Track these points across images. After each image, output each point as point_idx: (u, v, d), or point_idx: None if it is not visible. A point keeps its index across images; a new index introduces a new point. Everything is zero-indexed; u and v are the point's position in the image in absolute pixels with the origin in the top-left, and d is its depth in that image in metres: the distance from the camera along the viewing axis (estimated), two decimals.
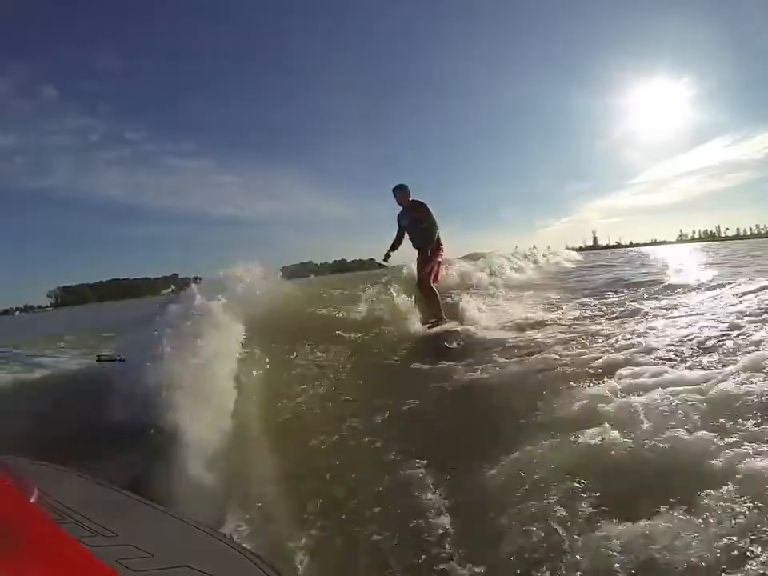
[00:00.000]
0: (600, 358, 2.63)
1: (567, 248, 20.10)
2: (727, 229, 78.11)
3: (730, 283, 4.88)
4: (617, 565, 1.12)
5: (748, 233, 71.82)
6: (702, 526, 1.18)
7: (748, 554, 1.08)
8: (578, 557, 1.17)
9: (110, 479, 1.14)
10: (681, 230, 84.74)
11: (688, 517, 1.22)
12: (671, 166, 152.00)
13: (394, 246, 4.55)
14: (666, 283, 5.77)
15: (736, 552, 1.09)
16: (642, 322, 3.61)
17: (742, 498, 1.23)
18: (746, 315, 3.23)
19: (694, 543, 1.13)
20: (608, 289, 6.15)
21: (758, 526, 1.14)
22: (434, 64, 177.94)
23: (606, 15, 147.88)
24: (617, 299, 5.13)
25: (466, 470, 1.69)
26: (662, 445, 1.55)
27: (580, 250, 34.90)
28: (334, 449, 2.02)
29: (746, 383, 1.87)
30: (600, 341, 3.11)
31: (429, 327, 4.13)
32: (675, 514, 1.24)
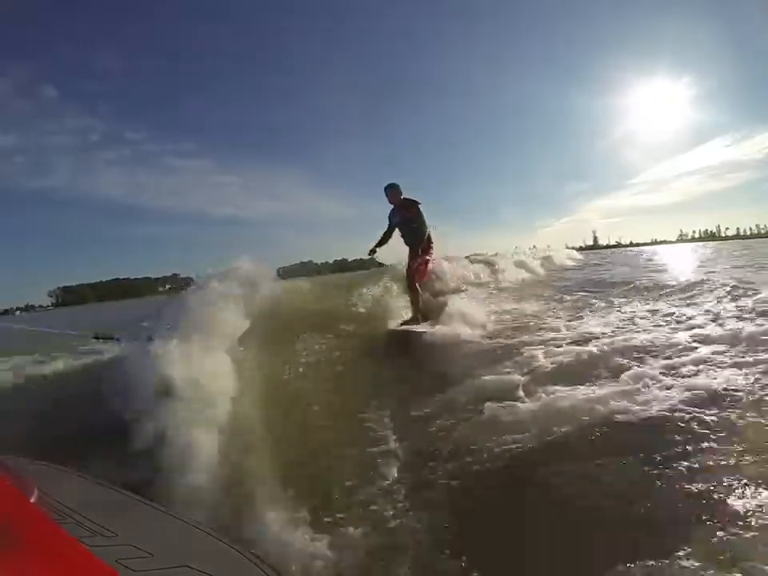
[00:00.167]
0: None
1: (567, 247, 20.03)
2: (727, 229, 78.28)
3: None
4: None
5: (748, 233, 71.91)
6: None
7: None
8: None
9: (110, 479, 1.15)
10: (681, 230, 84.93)
11: None
12: (671, 166, 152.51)
13: (382, 241, 4.58)
14: (636, 284, 5.87)
15: None
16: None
17: None
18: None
19: None
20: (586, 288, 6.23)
21: None
22: (434, 64, 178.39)
23: (606, 15, 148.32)
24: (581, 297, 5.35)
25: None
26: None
27: (580, 249, 34.86)
28: (334, 448, 2.02)
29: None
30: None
31: (400, 324, 4.14)
32: None
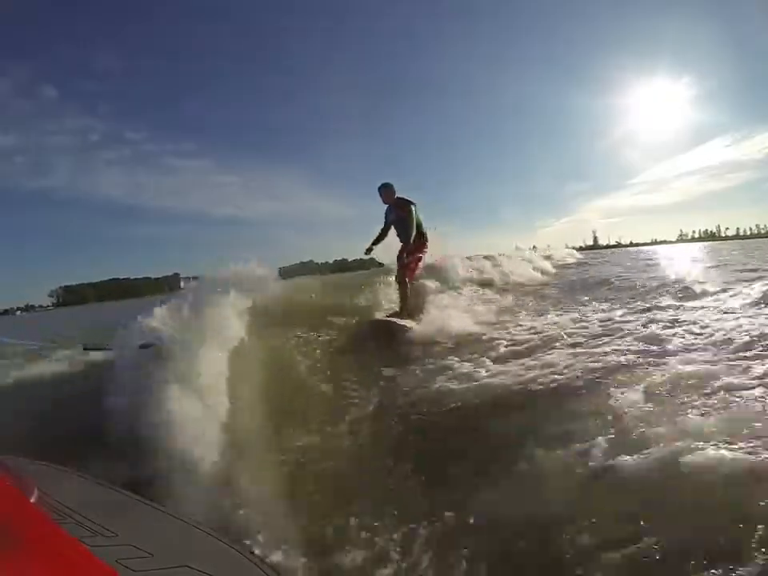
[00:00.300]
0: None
1: (568, 247, 20.03)
2: (727, 229, 78.12)
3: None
4: None
5: (748, 233, 71.87)
6: None
7: None
8: None
9: (110, 479, 1.15)
10: (681, 230, 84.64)
11: None
12: (671, 166, 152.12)
13: (378, 239, 4.63)
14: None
15: None
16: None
17: None
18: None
19: None
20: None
21: None
22: (434, 64, 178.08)
23: (606, 15, 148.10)
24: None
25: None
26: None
27: (580, 249, 34.87)
28: (333, 447, 2.03)
29: None
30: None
31: (386, 316, 4.25)
32: None
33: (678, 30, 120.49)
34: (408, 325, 4.01)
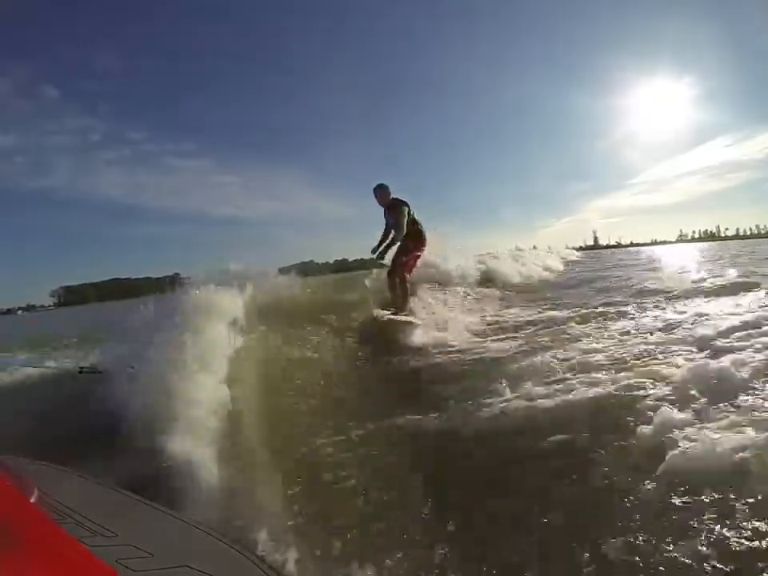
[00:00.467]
0: None
1: (568, 248, 20.02)
2: (727, 229, 78.00)
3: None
4: None
5: (748, 233, 71.76)
6: None
7: None
8: None
9: (110, 479, 1.15)
10: (681, 230, 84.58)
11: None
12: (671, 166, 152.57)
13: (384, 243, 4.65)
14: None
15: None
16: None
17: None
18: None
19: None
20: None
21: None
22: (434, 64, 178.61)
23: (606, 15, 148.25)
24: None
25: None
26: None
27: (580, 249, 34.87)
28: (334, 446, 2.02)
29: None
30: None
31: (392, 314, 4.30)
32: None
33: (678, 30, 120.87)
34: (414, 320, 4.09)
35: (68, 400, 2.74)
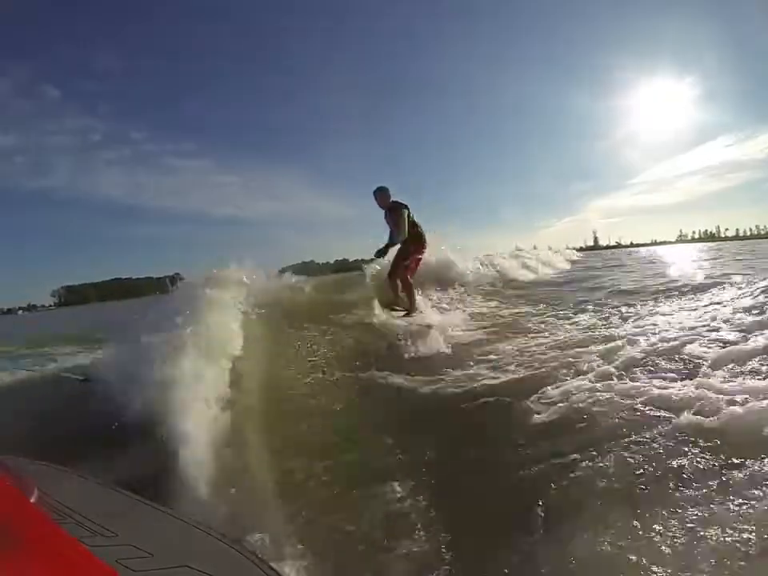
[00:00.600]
0: None
1: (568, 248, 20.01)
2: (727, 229, 77.90)
3: None
4: None
5: (748, 233, 71.72)
6: None
7: None
8: None
9: (110, 479, 1.14)
10: (681, 230, 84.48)
11: None
12: (672, 166, 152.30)
13: (388, 245, 4.65)
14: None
15: None
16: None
17: None
18: None
19: None
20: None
21: None
22: (434, 64, 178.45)
23: (606, 15, 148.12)
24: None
25: None
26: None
27: (581, 249, 34.85)
28: (333, 446, 2.02)
29: None
30: None
31: (404, 315, 4.37)
32: None
33: (678, 30, 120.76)
34: (414, 318, 4.18)
35: (68, 400, 2.75)
